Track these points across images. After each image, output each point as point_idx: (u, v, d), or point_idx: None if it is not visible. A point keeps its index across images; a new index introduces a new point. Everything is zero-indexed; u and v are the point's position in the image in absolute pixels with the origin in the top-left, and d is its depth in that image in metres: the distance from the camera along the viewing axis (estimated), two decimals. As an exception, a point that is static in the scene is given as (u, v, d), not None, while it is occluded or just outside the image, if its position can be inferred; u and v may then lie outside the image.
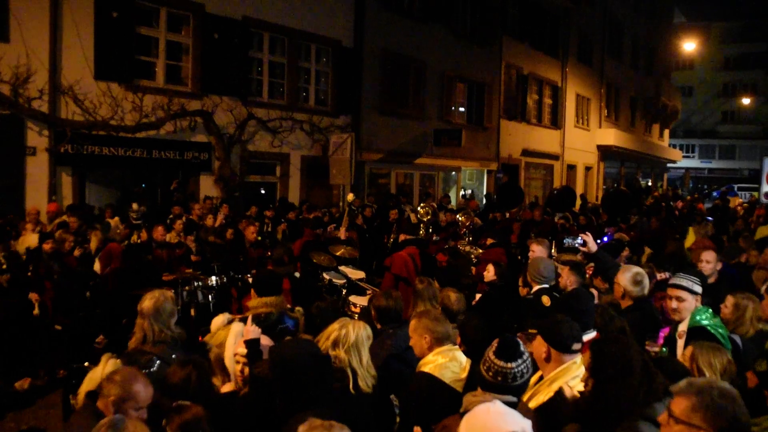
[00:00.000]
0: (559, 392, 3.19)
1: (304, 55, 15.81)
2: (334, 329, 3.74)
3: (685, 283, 4.38)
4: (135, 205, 11.10)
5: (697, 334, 3.97)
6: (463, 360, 3.73)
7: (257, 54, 14.76)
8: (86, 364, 4.65)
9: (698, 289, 4.34)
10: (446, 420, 3.00)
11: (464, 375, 3.64)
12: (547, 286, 5.51)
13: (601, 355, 2.90)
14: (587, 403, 2.90)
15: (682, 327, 4.24)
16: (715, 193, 37.52)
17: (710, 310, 4.20)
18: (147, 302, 4.08)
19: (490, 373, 2.92)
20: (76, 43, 11.35)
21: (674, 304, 4.34)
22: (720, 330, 4.02)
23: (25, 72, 10.72)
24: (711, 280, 5.84)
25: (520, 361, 2.93)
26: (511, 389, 2.91)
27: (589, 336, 3.87)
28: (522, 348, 3.00)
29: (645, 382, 2.80)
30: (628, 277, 4.84)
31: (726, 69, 56.37)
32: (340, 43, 16.31)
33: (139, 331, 4.04)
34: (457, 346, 3.81)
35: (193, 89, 13.28)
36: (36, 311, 7.59)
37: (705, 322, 4.05)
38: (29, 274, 7.80)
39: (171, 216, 11.15)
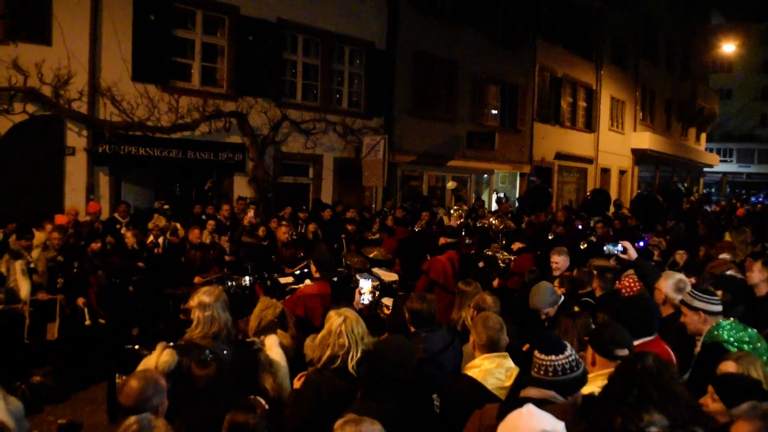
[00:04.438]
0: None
1: (337, 57, 15.88)
2: (348, 322, 3.76)
3: (685, 298, 4.29)
4: (157, 204, 11.23)
5: (713, 350, 3.84)
6: (511, 368, 3.67)
7: (291, 56, 14.85)
8: (137, 347, 4.70)
9: (700, 305, 4.16)
10: (486, 406, 3.06)
11: (509, 383, 3.58)
12: (558, 305, 5.43)
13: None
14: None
15: (698, 343, 4.14)
16: (754, 198, 36.70)
17: (732, 323, 4.01)
18: (206, 295, 4.06)
19: (534, 369, 2.99)
20: (114, 45, 11.56)
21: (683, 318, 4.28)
22: (745, 346, 3.82)
23: (66, 74, 10.95)
24: (761, 292, 5.44)
25: (561, 355, 2.94)
26: (553, 384, 2.91)
27: (649, 339, 3.83)
28: (564, 344, 3.00)
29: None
30: (671, 284, 4.72)
31: (766, 71, 55.15)
32: (373, 45, 16.34)
33: (198, 324, 4.01)
34: (506, 354, 3.75)
35: (227, 91, 13.42)
36: (88, 321, 7.80)
37: (725, 337, 3.89)
38: (74, 271, 8.03)
39: (195, 214, 11.30)
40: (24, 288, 7.57)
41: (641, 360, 2.68)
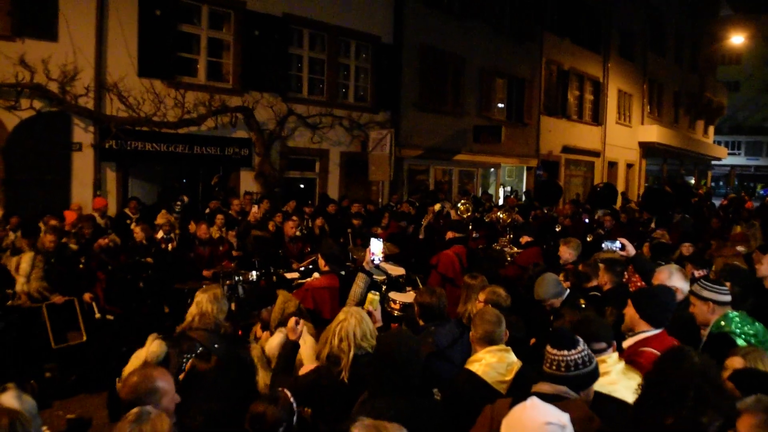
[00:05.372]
0: None
1: (343, 51, 15.85)
2: (348, 320, 3.72)
3: (694, 288, 4.28)
4: (186, 198, 11.17)
5: (720, 340, 3.83)
6: (513, 362, 3.68)
7: (297, 50, 14.84)
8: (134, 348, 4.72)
9: (709, 295, 4.14)
10: (498, 401, 3.05)
11: (509, 377, 3.59)
12: (563, 297, 5.40)
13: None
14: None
15: (704, 333, 4.12)
16: (762, 191, 36.50)
17: (740, 315, 4.00)
18: (201, 290, 4.18)
19: (547, 364, 2.97)
20: (120, 41, 11.58)
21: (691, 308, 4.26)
22: (752, 339, 3.80)
23: (72, 70, 10.98)
24: None
25: (573, 350, 2.93)
26: (566, 380, 2.90)
27: (655, 332, 3.82)
28: (577, 339, 3.00)
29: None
30: (675, 274, 4.72)
31: (774, 63, 54.71)
32: (379, 39, 16.30)
33: (189, 317, 4.11)
34: (508, 348, 3.76)
35: (233, 86, 13.42)
36: (98, 315, 7.75)
37: (733, 328, 3.88)
38: (81, 267, 8.00)
39: (207, 210, 11.27)
40: (18, 283, 7.43)
41: (687, 359, 2.65)
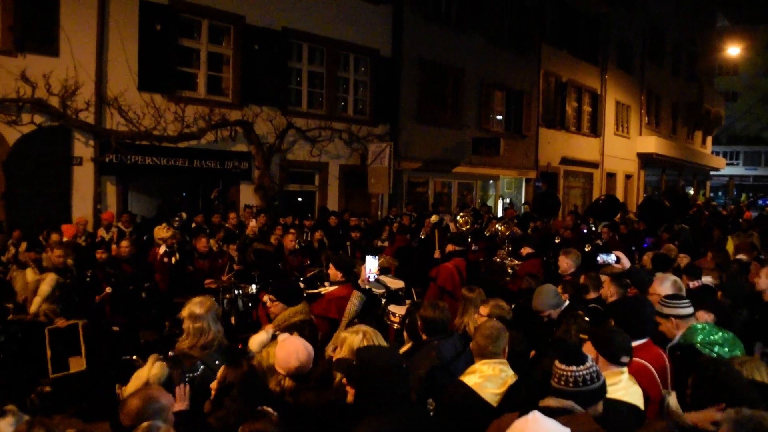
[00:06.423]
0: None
1: (342, 64, 15.93)
2: (368, 337, 3.75)
3: (656, 307, 4.33)
4: (184, 215, 11.17)
5: (684, 352, 3.89)
6: (508, 375, 3.69)
7: (296, 64, 14.92)
8: (134, 357, 4.72)
9: (669, 311, 4.22)
10: (505, 416, 3.04)
11: (502, 390, 3.60)
12: (562, 308, 5.42)
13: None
14: None
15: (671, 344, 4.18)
16: (761, 201, 36.51)
17: (706, 326, 4.05)
18: (197, 307, 4.10)
19: (555, 379, 2.98)
20: (121, 55, 11.64)
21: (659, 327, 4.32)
22: (717, 348, 3.84)
23: (73, 85, 11.04)
24: None
25: (582, 366, 2.95)
26: (574, 395, 2.92)
27: (640, 342, 3.85)
28: (585, 356, 3.03)
29: None
30: (667, 286, 4.76)
31: (771, 74, 54.82)
32: (378, 52, 16.39)
33: (188, 335, 4.06)
34: (504, 361, 3.77)
35: (233, 99, 13.48)
36: (108, 289, 7.71)
37: (697, 339, 3.93)
38: (88, 279, 7.99)
39: (193, 225, 11.27)
40: (33, 303, 7.15)
41: (736, 371, 2.76)
